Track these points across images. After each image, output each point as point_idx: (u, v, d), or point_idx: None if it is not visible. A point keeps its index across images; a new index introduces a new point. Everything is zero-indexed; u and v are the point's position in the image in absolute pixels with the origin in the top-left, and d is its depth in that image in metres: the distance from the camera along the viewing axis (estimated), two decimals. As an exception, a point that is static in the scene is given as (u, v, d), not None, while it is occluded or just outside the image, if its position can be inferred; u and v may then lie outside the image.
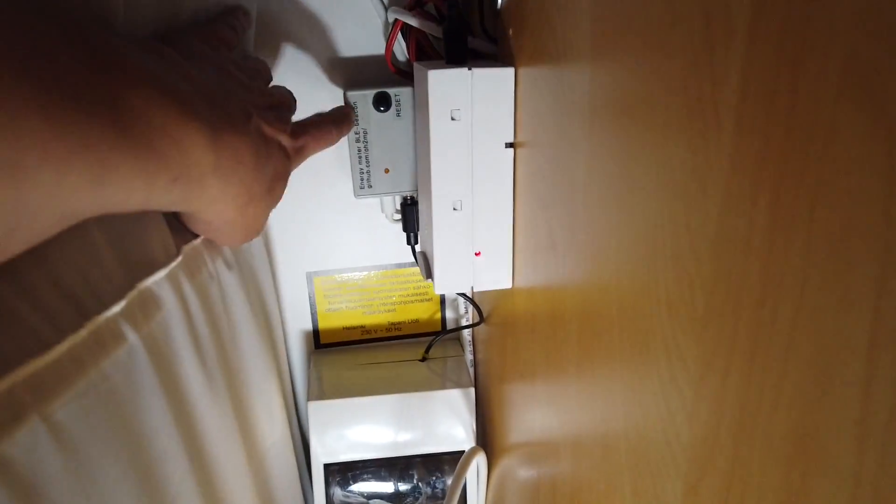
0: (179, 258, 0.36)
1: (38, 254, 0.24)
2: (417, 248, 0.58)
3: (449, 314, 0.68)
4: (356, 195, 0.55)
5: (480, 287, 0.48)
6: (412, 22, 0.47)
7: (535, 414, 0.44)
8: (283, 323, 0.65)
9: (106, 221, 0.29)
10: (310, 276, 0.64)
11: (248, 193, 0.34)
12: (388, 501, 0.63)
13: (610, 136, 0.28)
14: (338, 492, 0.62)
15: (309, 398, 0.60)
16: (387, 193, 0.55)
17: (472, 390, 0.61)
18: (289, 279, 0.64)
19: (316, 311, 0.66)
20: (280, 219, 0.61)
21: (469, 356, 0.65)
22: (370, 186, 0.55)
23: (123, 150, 0.23)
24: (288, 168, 0.39)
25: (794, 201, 0.16)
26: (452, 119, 0.42)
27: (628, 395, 0.27)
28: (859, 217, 0.14)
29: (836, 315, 0.15)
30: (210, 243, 0.41)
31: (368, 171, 0.54)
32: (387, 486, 0.63)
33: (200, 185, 0.29)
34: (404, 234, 0.58)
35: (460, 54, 0.43)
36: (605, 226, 0.29)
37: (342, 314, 0.66)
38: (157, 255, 0.34)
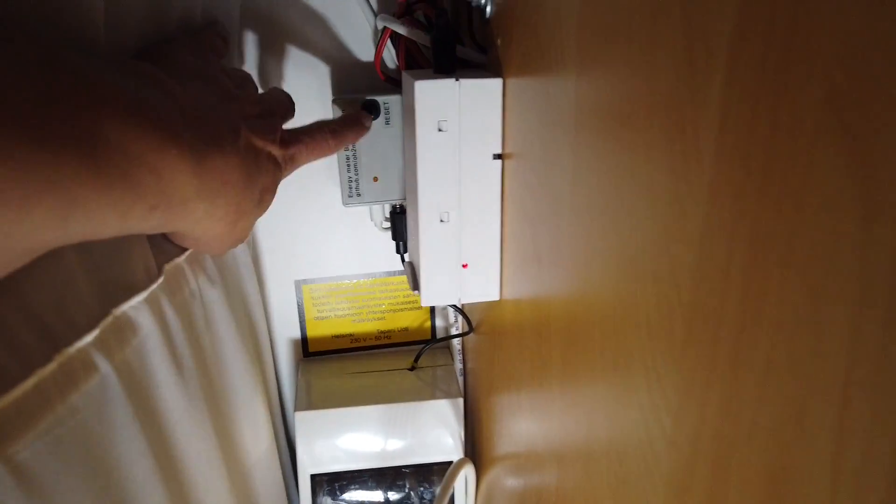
0: (161, 279, 0.35)
1: (6, 282, 0.23)
2: (406, 257, 0.58)
3: (439, 322, 0.68)
4: (344, 203, 0.54)
5: (468, 299, 0.47)
6: (400, 30, 0.47)
7: (521, 426, 0.43)
8: (270, 332, 0.64)
9: (84, 245, 0.28)
10: (298, 284, 0.64)
11: (238, 211, 0.33)
12: (376, 511, 0.63)
13: (594, 153, 0.27)
14: (327, 501, 0.62)
15: (296, 408, 0.60)
16: (375, 202, 0.55)
17: (461, 400, 0.61)
18: (277, 287, 0.63)
19: (304, 319, 0.65)
20: (268, 226, 0.61)
21: (459, 365, 0.64)
22: (359, 195, 0.54)
23: (94, 185, 0.22)
24: (277, 178, 0.38)
25: (771, 235, 0.16)
26: (440, 130, 0.42)
27: (610, 418, 0.27)
28: (837, 255, 0.14)
29: (812, 354, 0.15)
30: (194, 258, 0.41)
31: (357, 180, 0.54)
32: (376, 496, 0.62)
33: (183, 209, 0.29)
34: (394, 242, 0.58)
35: (448, 64, 0.43)
36: (588, 243, 0.28)
37: (331, 322, 0.66)
38: (138, 277, 0.33)
